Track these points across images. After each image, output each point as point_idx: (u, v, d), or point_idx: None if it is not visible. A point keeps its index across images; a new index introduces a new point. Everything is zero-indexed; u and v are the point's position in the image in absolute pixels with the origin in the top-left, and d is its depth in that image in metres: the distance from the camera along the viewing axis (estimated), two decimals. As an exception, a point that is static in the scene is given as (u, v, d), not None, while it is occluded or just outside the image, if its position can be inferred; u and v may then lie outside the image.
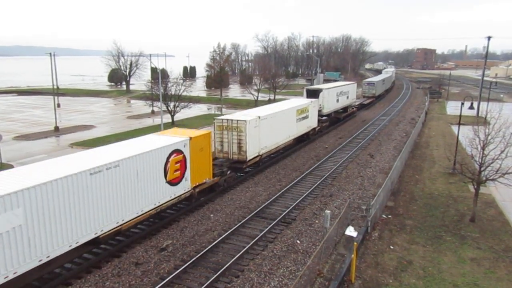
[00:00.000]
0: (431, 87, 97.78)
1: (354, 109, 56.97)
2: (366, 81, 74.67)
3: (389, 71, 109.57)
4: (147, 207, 18.02)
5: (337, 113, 49.06)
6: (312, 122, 37.93)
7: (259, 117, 27.32)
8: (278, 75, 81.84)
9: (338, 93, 47.61)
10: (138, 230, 18.98)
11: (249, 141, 26.15)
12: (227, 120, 26.41)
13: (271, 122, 29.14)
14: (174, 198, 19.79)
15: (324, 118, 43.14)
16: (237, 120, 26.01)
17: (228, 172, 25.07)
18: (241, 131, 25.86)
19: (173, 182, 19.43)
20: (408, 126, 48.16)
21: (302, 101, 37.51)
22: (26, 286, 13.70)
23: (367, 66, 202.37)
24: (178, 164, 19.57)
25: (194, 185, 21.15)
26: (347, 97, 51.94)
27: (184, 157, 19.97)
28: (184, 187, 20.36)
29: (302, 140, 36.91)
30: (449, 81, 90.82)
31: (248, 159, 26.56)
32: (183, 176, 20.11)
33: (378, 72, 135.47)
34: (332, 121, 47.15)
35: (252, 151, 26.86)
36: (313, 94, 42.68)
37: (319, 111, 41.06)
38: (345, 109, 51.99)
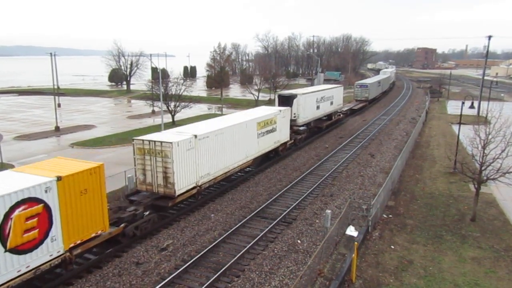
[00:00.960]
0: (432, 87, 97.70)
1: (341, 115, 49.96)
2: (358, 83, 66.92)
3: (387, 72, 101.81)
4: None
5: (318, 121, 42.15)
6: (282, 136, 31.32)
7: (196, 136, 20.79)
8: (279, 75, 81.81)
9: (318, 99, 40.42)
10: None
11: (179, 169, 19.61)
12: (149, 141, 19.75)
13: (217, 141, 22.60)
14: (28, 272, 13.23)
15: (301, 128, 37.35)
16: (161, 142, 19.32)
17: (146, 214, 18.79)
18: (166, 157, 19.25)
19: (22, 249, 12.93)
20: (408, 126, 48.13)
21: (266, 111, 30.34)
22: (26, 286, 13.72)
23: (369, 66, 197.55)
24: (34, 220, 13.17)
25: (71, 245, 14.63)
26: (331, 103, 44.76)
27: (47, 207, 13.51)
28: (50, 251, 13.82)
29: (269, 158, 30.92)
30: (450, 81, 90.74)
31: (178, 193, 19.76)
32: (45, 236, 13.59)
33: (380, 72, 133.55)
34: (312, 131, 40.97)
35: (185, 182, 20.20)
36: (286, 101, 35.87)
37: (293, 120, 35.08)
38: (329, 116, 45.33)
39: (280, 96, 37.66)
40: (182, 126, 24.24)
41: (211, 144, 22.11)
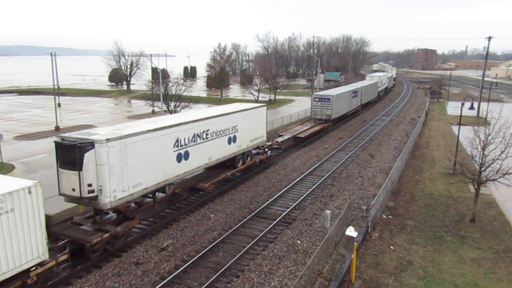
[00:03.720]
0: (432, 88, 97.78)
1: (266, 154, 30.07)
2: (316, 95, 45.51)
3: (375, 76, 78.63)
4: None
5: (196, 178, 23.36)
6: None
7: None
8: (279, 75, 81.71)
9: (184, 140, 20.70)
10: (138, 230, 18.99)
11: None
12: None
13: None
14: None
15: (132, 205, 19.05)
16: None
17: None
18: None
19: None
20: (408, 127, 48.16)
21: None
22: (26, 286, 13.71)
23: (375, 67, 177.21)
24: None
25: None
26: (232, 140, 24.84)
27: None
28: None
29: None
30: (450, 82, 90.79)
31: None
32: None
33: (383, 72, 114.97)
34: (172, 201, 21.36)
35: None
36: (69, 156, 16.08)
37: (91, 200, 16.30)
38: (231, 162, 25.54)
39: (58, 146, 16.48)
40: None
41: None
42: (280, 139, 35.77)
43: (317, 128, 41.73)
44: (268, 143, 32.38)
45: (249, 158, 27.92)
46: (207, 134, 22.46)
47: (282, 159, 32.17)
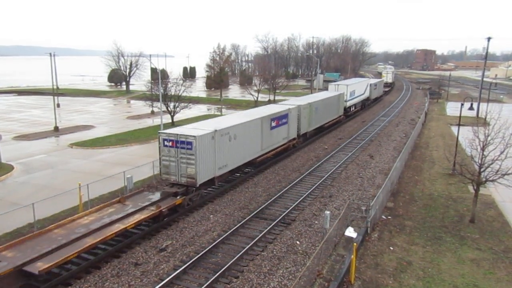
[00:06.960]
0: (431, 88, 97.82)
1: None
2: (168, 135, 21.54)
3: (342, 85, 51.35)
4: None
5: None
6: None
7: None
8: (278, 76, 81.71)
9: None
10: (137, 230, 18.97)
11: None
12: None
13: None
14: None
15: None
16: None
17: None
18: None
19: None
20: (408, 127, 48.17)
21: None
22: (25, 286, 13.69)
23: (380, 68, 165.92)
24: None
25: None
26: None
27: None
28: None
29: None
30: (449, 82, 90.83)
31: None
32: None
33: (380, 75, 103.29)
34: None
35: None
36: None
37: None
38: None
39: None
40: None
41: None
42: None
43: (132, 220, 17.82)
44: None
45: None
46: None
47: (282, 160, 31.75)
